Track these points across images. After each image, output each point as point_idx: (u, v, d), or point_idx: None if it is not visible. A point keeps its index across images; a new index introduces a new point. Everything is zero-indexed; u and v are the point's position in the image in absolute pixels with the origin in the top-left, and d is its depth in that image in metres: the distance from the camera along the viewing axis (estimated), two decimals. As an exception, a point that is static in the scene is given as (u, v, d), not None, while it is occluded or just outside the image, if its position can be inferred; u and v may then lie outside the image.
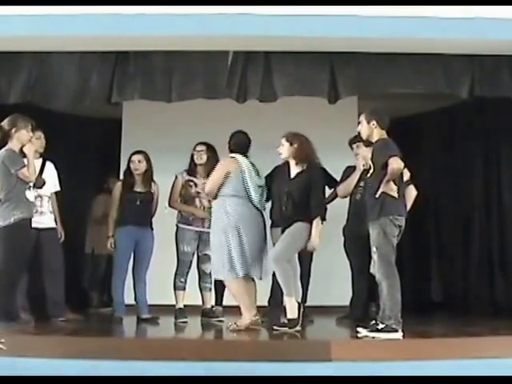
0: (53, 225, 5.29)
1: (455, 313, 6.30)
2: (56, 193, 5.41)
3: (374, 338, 4.19)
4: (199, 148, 5.58)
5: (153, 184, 5.61)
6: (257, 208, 4.82)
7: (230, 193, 4.80)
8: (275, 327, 4.65)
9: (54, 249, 5.23)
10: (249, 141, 4.98)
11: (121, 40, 5.02)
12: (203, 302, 5.61)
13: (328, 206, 5.08)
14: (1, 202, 4.79)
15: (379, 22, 4.80)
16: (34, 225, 4.96)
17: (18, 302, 4.91)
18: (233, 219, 4.74)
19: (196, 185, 5.54)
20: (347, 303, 5.63)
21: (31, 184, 4.94)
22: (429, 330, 4.95)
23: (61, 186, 5.44)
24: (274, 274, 4.81)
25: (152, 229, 5.59)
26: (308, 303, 5.30)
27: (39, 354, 3.88)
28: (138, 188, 5.55)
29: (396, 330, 4.19)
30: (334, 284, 6.29)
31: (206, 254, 5.38)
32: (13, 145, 4.87)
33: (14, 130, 4.86)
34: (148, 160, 5.58)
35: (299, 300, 4.78)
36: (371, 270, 4.43)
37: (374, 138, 4.48)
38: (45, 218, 5.22)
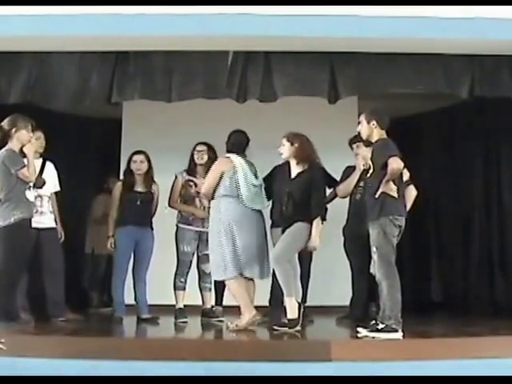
0: (53, 225, 5.29)
1: (455, 313, 6.30)
2: (56, 193, 5.41)
3: (373, 338, 4.19)
4: (200, 148, 5.57)
5: (153, 184, 5.62)
6: (253, 208, 4.82)
7: (223, 193, 4.81)
8: (275, 327, 4.65)
9: (53, 249, 5.23)
10: (247, 140, 4.98)
11: (121, 40, 5.02)
12: (203, 302, 5.61)
13: (328, 205, 5.08)
14: (1, 201, 4.79)
15: (379, 21, 4.80)
16: (34, 225, 4.96)
17: (18, 301, 4.91)
18: (225, 219, 4.75)
19: (196, 185, 5.53)
20: (347, 303, 5.62)
21: (31, 184, 4.94)
22: (429, 329, 4.95)
23: (61, 186, 5.44)
24: (274, 274, 4.81)
25: (152, 229, 5.59)
26: (308, 303, 5.29)
27: (39, 353, 3.88)
28: (139, 188, 5.56)
29: (396, 330, 4.19)
30: (334, 284, 6.29)
31: (205, 254, 5.38)
32: (13, 145, 4.87)
33: (14, 130, 4.86)
34: (149, 160, 5.59)
35: (299, 300, 4.78)
36: (371, 270, 4.44)
37: (374, 138, 4.48)
38: (45, 218, 5.22)
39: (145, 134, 6.62)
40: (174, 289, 5.47)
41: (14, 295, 4.82)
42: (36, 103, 5.56)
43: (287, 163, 4.95)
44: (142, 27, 4.80)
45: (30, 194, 4.94)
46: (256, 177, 4.91)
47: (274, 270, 4.75)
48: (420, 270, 6.99)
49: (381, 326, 4.24)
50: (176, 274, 5.48)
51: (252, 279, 4.84)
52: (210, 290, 5.59)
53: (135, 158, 5.57)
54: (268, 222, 5.14)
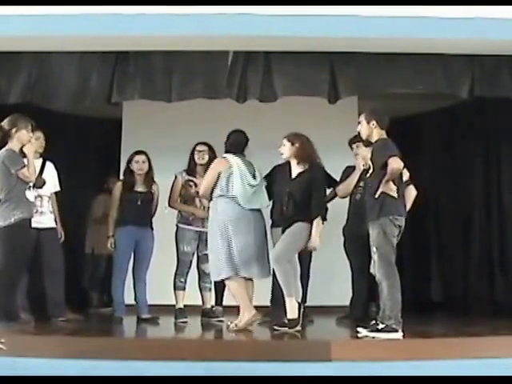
0: (53, 225, 5.29)
1: (455, 313, 6.30)
2: (56, 193, 5.41)
3: (373, 337, 4.19)
4: (201, 148, 5.57)
5: (153, 184, 5.61)
6: (250, 208, 4.81)
7: (220, 193, 4.81)
8: (275, 327, 4.65)
9: (54, 249, 5.23)
10: (246, 140, 4.98)
11: (121, 40, 5.02)
12: (203, 302, 5.61)
13: (328, 205, 5.07)
14: (1, 202, 4.79)
15: (379, 22, 4.80)
16: (34, 225, 4.96)
17: (18, 301, 4.91)
18: (221, 219, 4.75)
19: (196, 185, 5.53)
20: (347, 303, 5.62)
21: (31, 184, 4.94)
22: (429, 329, 4.95)
23: (61, 186, 5.44)
24: (274, 274, 4.81)
25: (152, 229, 5.59)
26: (308, 303, 5.29)
27: (39, 353, 3.88)
28: (139, 188, 5.56)
29: (396, 330, 4.19)
30: (334, 284, 6.29)
31: (205, 254, 5.36)
32: (13, 145, 4.87)
33: (14, 130, 4.86)
34: (149, 160, 5.59)
35: (299, 300, 4.78)
36: (371, 270, 4.43)
37: (374, 138, 4.48)
38: (45, 218, 5.22)
39: (145, 134, 6.62)
40: (174, 289, 5.48)
41: (14, 295, 4.82)
42: (36, 103, 5.55)
43: (287, 163, 4.95)
44: (142, 27, 4.80)
45: (30, 194, 4.94)
46: (254, 177, 4.90)
47: (274, 270, 4.75)
48: (420, 270, 6.99)
49: (381, 326, 4.24)
50: (176, 274, 5.48)
51: (251, 279, 4.84)
52: (210, 290, 5.59)
53: (137, 158, 5.56)
54: (268, 222, 5.13)
